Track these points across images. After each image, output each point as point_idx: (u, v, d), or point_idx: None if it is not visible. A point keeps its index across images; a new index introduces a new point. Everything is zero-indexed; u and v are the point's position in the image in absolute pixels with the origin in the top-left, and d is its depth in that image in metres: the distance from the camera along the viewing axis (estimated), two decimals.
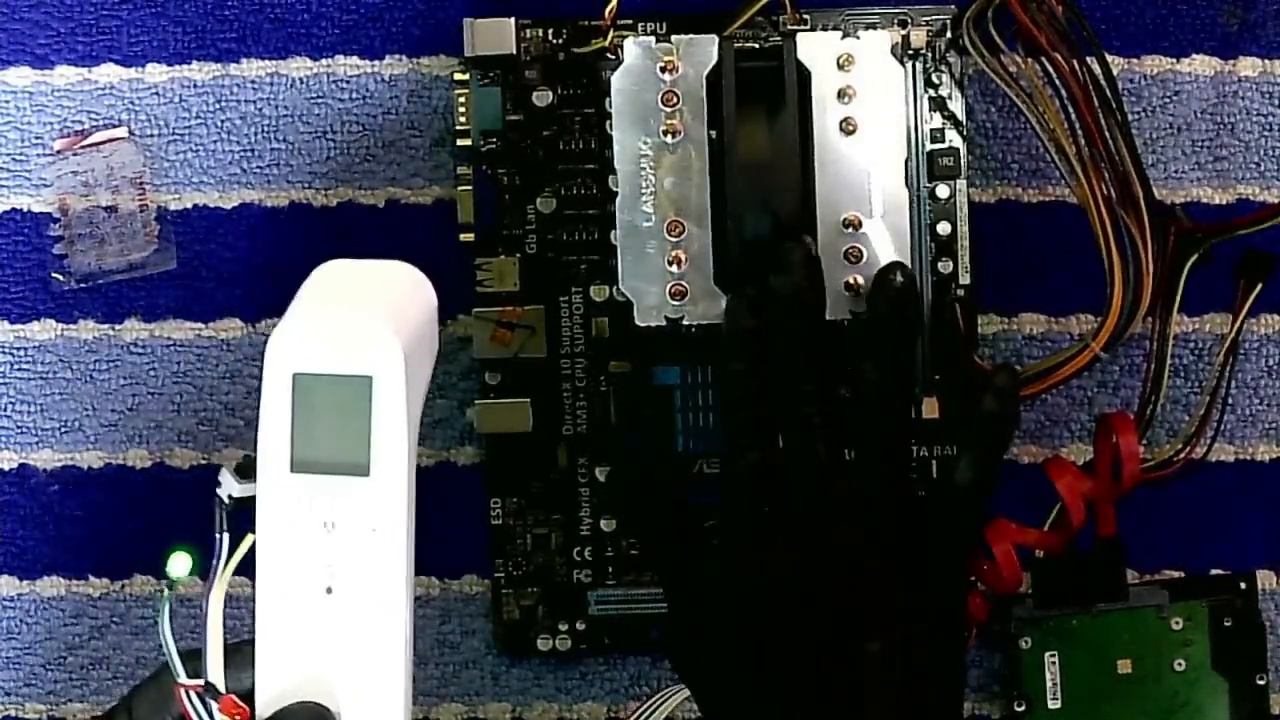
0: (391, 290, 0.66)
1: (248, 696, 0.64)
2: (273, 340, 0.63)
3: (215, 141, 0.79)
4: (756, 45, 0.76)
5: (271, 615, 0.64)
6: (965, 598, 0.72)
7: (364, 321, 0.63)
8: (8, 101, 0.79)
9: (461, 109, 0.77)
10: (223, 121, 0.79)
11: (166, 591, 0.64)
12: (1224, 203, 0.79)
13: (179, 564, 0.64)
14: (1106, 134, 0.73)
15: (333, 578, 0.64)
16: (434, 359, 0.67)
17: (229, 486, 0.65)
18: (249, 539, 0.64)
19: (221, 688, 0.63)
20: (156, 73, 0.79)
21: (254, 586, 0.64)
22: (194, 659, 0.63)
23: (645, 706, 0.73)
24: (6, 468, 0.79)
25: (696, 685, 0.70)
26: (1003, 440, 0.71)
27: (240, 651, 0.64)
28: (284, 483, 0.63)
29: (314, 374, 0.63)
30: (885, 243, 0.73)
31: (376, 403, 0.63)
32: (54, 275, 0.79)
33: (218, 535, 0.65)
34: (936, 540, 0.70)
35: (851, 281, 0.73)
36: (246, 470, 0.65)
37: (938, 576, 0.69)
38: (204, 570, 0.64)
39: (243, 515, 0.64)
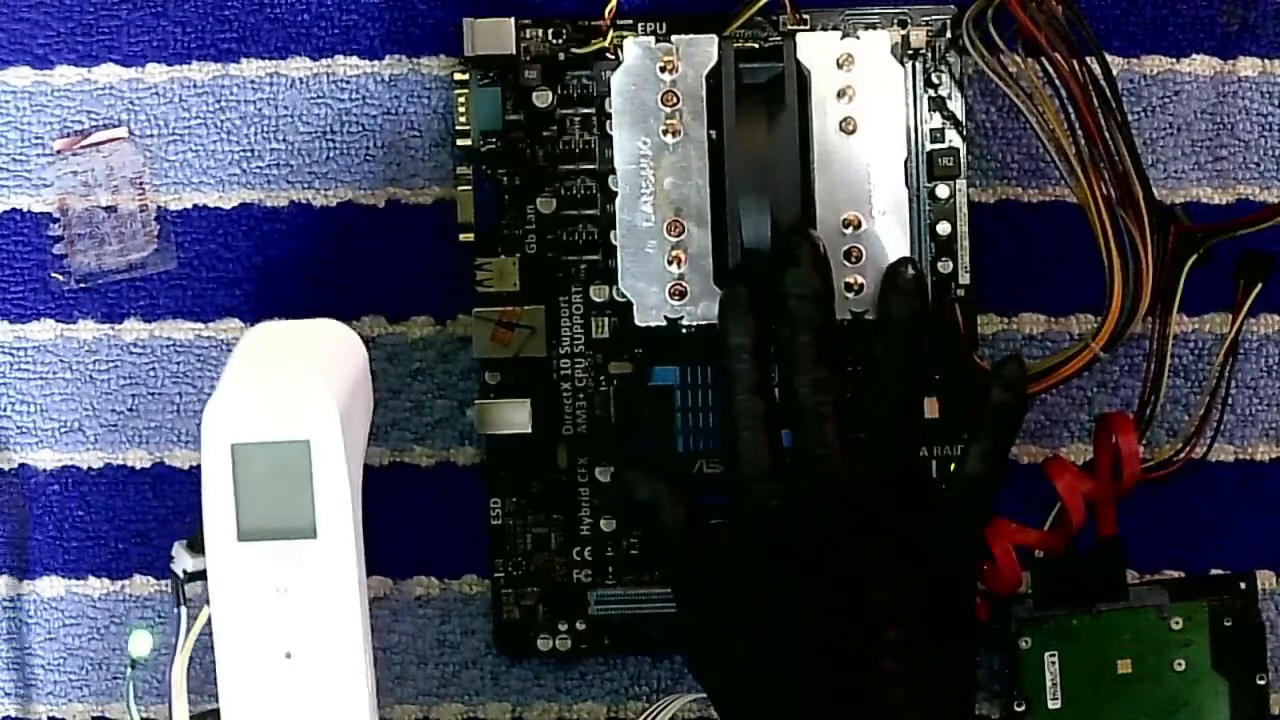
0: (321, 350, 0.67)
1: None
2: (208, 412, 0.64)
3: (215, 141, 0.79)
4: (756, 45, 0.76)
5: (234, 684, 0.65)
6: (975, 586, 0.72)
7: (297, 386, 0.64)
8: (8, 101, 0.79)
9: (461, 109, 0.77)
10: (223, 121, 0.79)
11: (130, 670, 0.65)
12: (1224, 203, 0.79)
13: (140, 644, 0.67)
14: (1106, 134, 0.73)
15: (290, 642, 0.65)
16: (370, 413, 0.68)
17: (182, 561, 0.66)
18: (205, 611, 0.65)
19: None
20: (156, 73, 0.79)
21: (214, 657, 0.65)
22: None
23: (647, 714, 0.73)
24: (6, 468, 0.79)
25: (712, 683, 0.70)
26: (1012, 430, 0.71)
27: None
28: (232, 553, 0.64)
29: (252, 443, 0.64)
30: (885, 243, 0.73)
31: (317, 465, 0.64)
32: (54, 275, 0.79)
33: (176, 610, 0.66)
34: (948, 529, 0.70)
35: (851, 281, 0.73)
36: (197, 544, 0.66)
37: (949, 565, 0.69)
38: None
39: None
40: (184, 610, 0.66)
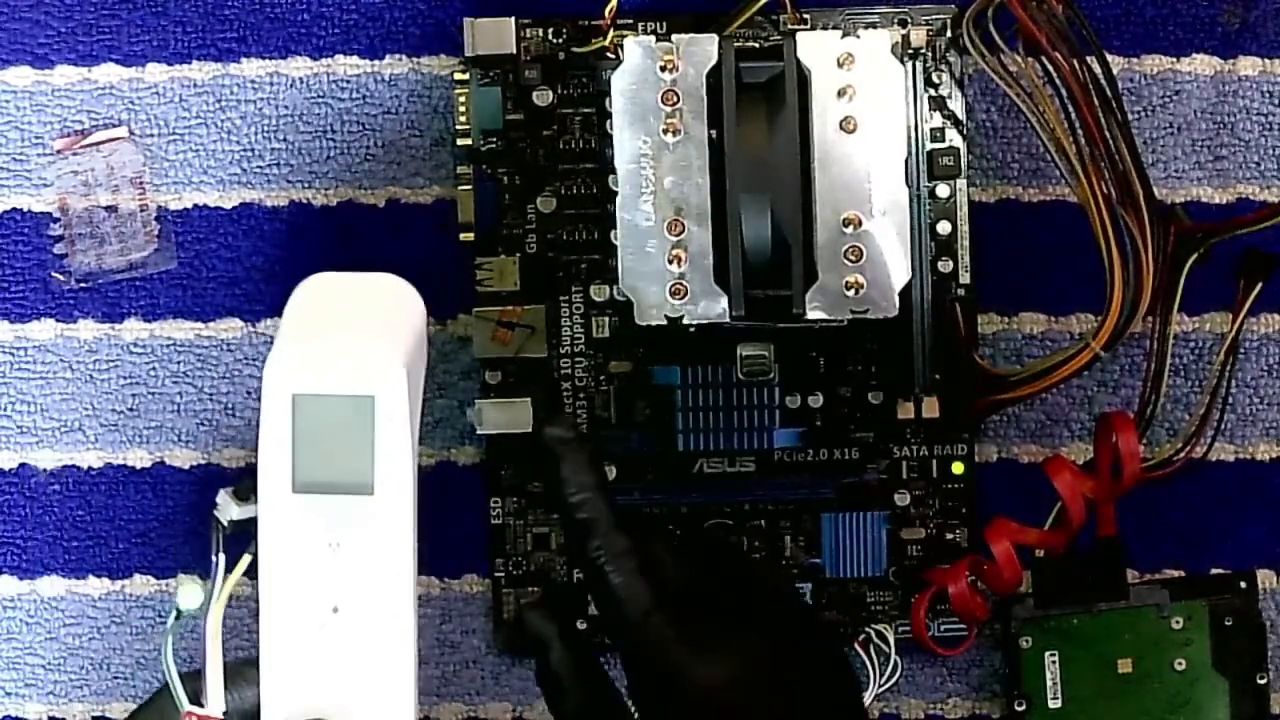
0: (385, 305, 0.66)
1: (251, 716, 0.64)
2: (270, 361, 0.63)
3: (215, 141, 0.79)
4: (756, 45, 0.76)
5: (277, 636, 0.64)
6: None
7: (365, 341, 0.63)
8: (8, 101, 0.79)
9: (461, 109, 0.77)
10: (223, 121, 0.79)
11: (171, 621, 0.64)
12: (1224, 202, 0.79)
13: (190, 595, 0.64)
14: (1106, 134, 0.73)
15: (339, 597, 0.64)
16: (425, 369, 0.67)
17: (227, 510, 0.65)
18: (245, 560, 0.64)
19: (222, 708, 0.63)
20: (156, 73, 0.79)
21: (256, 607, 0.64)
22: (193, 680, 0.63)
23: None
24: (6, 468, 0.79)
25: None
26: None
27: (239, 671, 0.64)
28: (287, 504, 0.63)
29: (315, 394, 0.63)
30: (885, 242, 0.73)
31: (379, 421, 0.63)
32: (54, 275, 0.79)
33: (214, 558, 0.65)
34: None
35: (851, 281, 0.73)
36: (245, 493, 0.65)
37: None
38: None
39: (236, 538, 0.64)
40: (222, 559, 0.64)
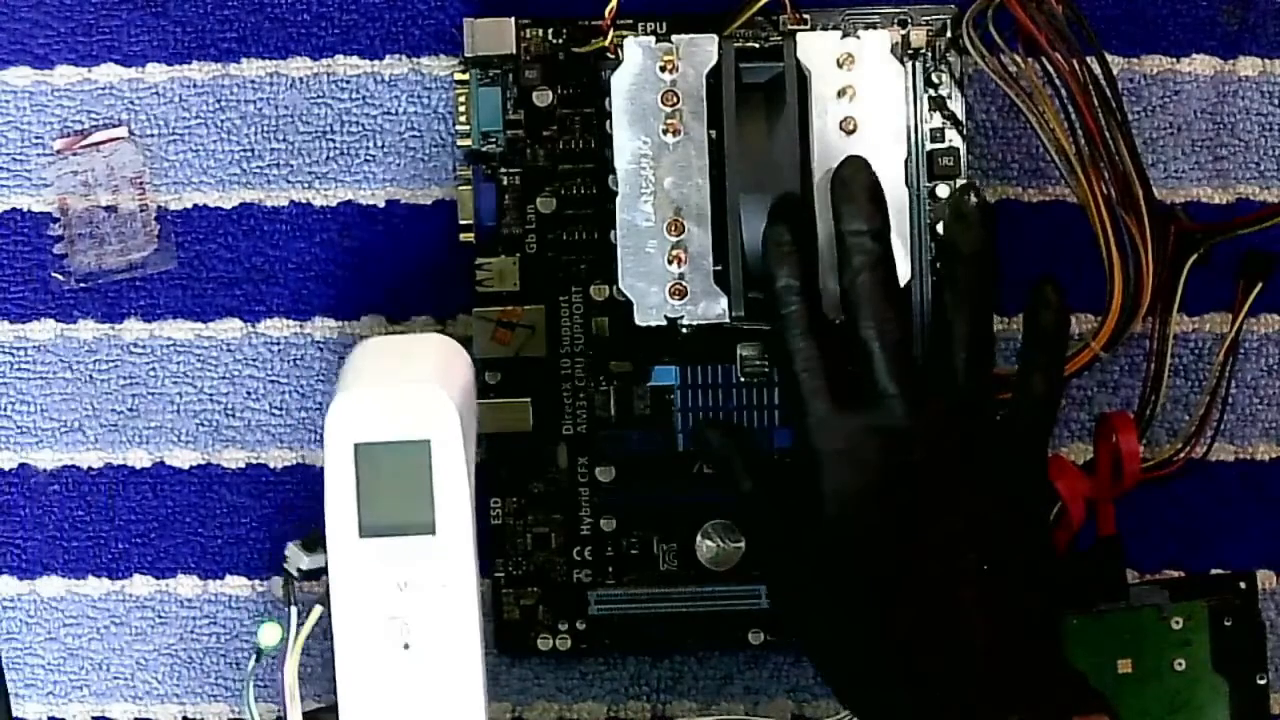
0: (434, 359, 0.70)
1: None
2: (331, 413, 0.67)
3: (215, 141, 0.79)
4: (756, 45, 0.76)
5: (352, 676, 0.67)
6: (1046, 504, 0.72)
7: (418, 389, 0.67)
8: (8, 101, 0.79)
9: (461, 109, 0.77)
10: (223, 121, 0.79)
11: (252, 664, 0.68)
12: (1224, 203, 0.79)
13: (270, 634, 0.69)
14: (1106, 134, 0.73)
15: (409, 634, 0.67)
16: (475, 420, 0.70)
17: (297, 560, 0.70)
18: (317, 610, 0.68)
19: None
20: (156, 73, 0.79)
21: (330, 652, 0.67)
22: None
23: None
24: (6, 468, 0.79)
25: (793, 620, 0.70)
26: (1063, 347, 0.71)
27: (318, 718, 0.68)
28: (355, 549, 0.67)
29: (375, 443, 0.67)
30: None
31: (437, 463, 0.67)
32: (54, 275, 0.79)
33: (288, 609, 0.69)
34: (1017, 452, 0.70)
35: None
36: (312, 544, 0.69)
37: (1022, 487, 0.69)
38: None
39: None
40: (295, 609, 0.69)
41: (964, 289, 0.70)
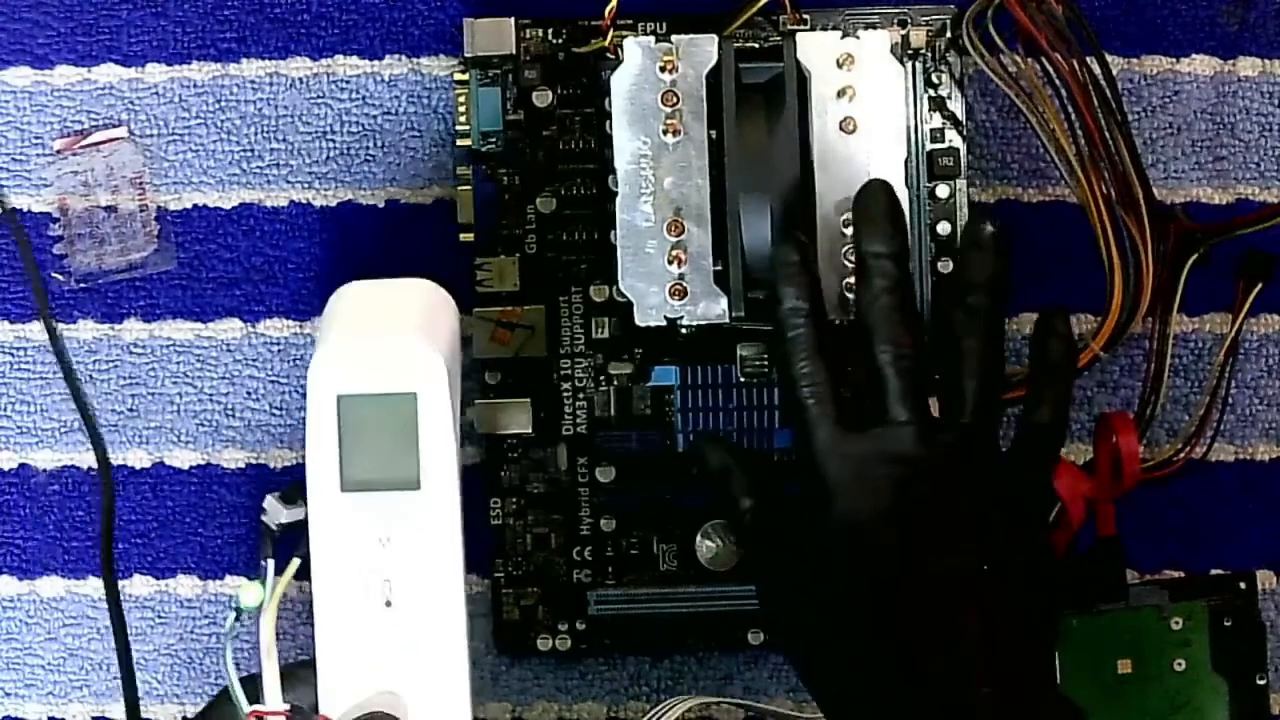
0: (420, 308, 0.68)
1: (309, 716, 0.65)
2: (313, 365, 0.65)
3: (215, 141, 0.79)
4: (756, 45, 0.76)
5: (332, 632, 0.66)
6: (1049, 530, 0.72)
7: (404, 341, 0.65)
8: (8, 101, 0.79)
9: (461, 109, 0.77)
10: (223, 121, 0.79)
11: (230, 622, 0.66)
12: (1224, 203, 0.79)
13: (251, 594, 0.66)
14: (1106, 134, 0.73)
15: (391, 591, 0.66)
16: (461, 368, 0.68)
17: (275, 514, 0.67)
18: (295, 563, 0.66)
19: (281, 706, 0.64)
20: (156, 73, 0.79)
21: (309, 606, 0.66)
22: (250, 683, 0.64)
23: (651, 715, 0.73)
24: (6, 468, 0.79)
25: (791, 646, 0.70)
26: (1071, 377, 0.71)
27: (296, 674, 0.66)
28: (336, 503, 0.65)
29: (358, 395, 0.65)
30: None
31: (423, 417, 0.65)
32: (54, 275, 0.79)
33: (264, 562, 0.67)
34: (1024, 479, 0.70)
35: (851, 282, 0.73)
36: (292, 496, 0.67)
37: (1027, 516, 0.69)
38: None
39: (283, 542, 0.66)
40: (272, 563, 0.66)
41: (978, 317, 0.70)
